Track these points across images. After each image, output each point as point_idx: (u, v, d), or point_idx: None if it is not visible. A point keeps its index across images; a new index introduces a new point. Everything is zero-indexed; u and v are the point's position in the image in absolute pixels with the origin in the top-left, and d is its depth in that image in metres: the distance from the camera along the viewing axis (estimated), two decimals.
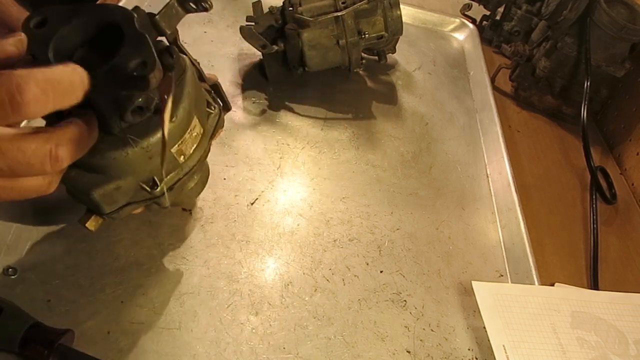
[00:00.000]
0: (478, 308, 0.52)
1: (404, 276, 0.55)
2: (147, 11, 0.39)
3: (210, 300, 0.48)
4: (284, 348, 0.46)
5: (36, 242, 0.48)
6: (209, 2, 0.41)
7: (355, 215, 0.60)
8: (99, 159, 0.37)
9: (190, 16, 0.85)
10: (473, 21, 0.99)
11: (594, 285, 0.61)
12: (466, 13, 0.99)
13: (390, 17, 0.70)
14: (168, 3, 0.38)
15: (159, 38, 0.39)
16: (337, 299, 0.51)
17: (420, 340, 0.50)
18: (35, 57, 0.33)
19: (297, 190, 0.61)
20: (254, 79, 0.74)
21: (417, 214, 0.62)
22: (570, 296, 0.56)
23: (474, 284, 0.54)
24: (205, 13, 0.88)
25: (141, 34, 0.34)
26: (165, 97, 0.35)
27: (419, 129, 0.75)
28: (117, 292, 0.47)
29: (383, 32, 0.70)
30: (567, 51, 0.80)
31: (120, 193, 0.40)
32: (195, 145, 0.43)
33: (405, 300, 0.53)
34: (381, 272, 0.55)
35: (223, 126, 0.48)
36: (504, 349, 0.49)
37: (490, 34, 0.99)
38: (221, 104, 0.48)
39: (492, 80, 0.86)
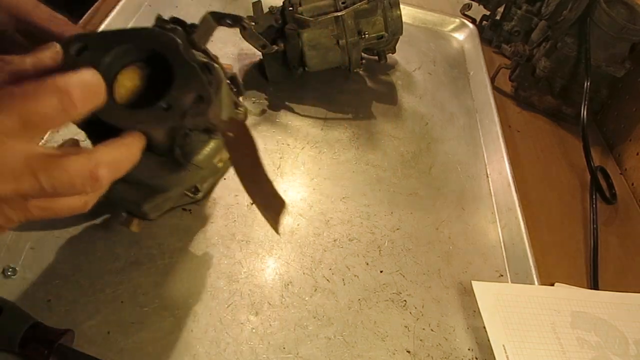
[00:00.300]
0: (478, 308, 0.52)
1: (404, 276, 0.55)
2: (170, 17, 0.40)
3: (211, 300, 0.48)
4: (284, 348, 0.46)
5: (36, 242, 0.48)
6: (246, 22, 0.41)
7: (355, 215, 0.60)
8: (152, 180, 0.39)
9: (190, 16, 0.85)
10: (473, 21, 0.99)
11: (594, 285, 0.61)
12: (466, 13, 0.99)
13: (390, 17, 0.70)
14: (204, 19, 0.37)
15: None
16: (337, 299, 0.51)
17: (420, 340, 0.50)
18: None
19: (297, 190, 0.61)
20: (254, 79, 0.74)
21: (417, 214, 0.62)
22: (570, 296, 0.56)
23: (474, 284, 0.54)
24: (205, 13, 0.88)
25: (191, 66, 0.34)
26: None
27: (419, 129, 0.75)
28: (117, 292, 0.47)
29: (383, 32, 0.70)
30: (567, 51, 0.80)
31: (167, 202, 0.42)
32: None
33: (405, 300, 0.53)
34: (381, 272, 0.55)
35: (247, 119, 0.48)
36: (504, 349, 0.49)
37: (490, 34, 0.99)
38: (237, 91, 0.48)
39: (492, 80, 0.86)
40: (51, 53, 0.31)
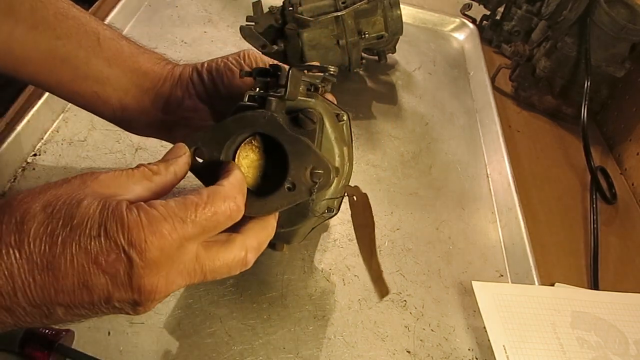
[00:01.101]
0: (478, 308, 0.52)
1: (404, 276, 0.55)
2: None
3: (210, 300, 0.48)
4: (284, 348, 0.46)
5: None
6: (332, 69, 0.43)
7: None
8: (293, 229, 0.42)
9: (190, 16, 0.85)
10: (473, 21, 0.99)
11: (594, 285, 0.61)
12: (466, 13, 0.99)
13: (390, 17, 0.70)
14: (291, 74, 0.37)
15: None
16: (337, 299, 0.51)
17: (420, 340, 0.50)
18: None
19: None
20: None
21: (417, 214, 0.62)
22: (570, 296, 0.56)
23: (474, 284, 0.54)
24: (205, 13, 0.88)
25: (297, 139, 0.36)
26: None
27: (419, 129, 0.75)
28: None
29: (383, 32, 0.70)
30: (567, 51, 0.80)
31: (308, 228, 0.45)
32: (348, 164, 0.45)
33: (405, 300, 0.53)
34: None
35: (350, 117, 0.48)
36: (504, 349, 0.49)
37: (490, 34, 0.99)
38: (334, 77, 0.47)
39: (492, 80, 0.86)
40: (186, 158, 0.35)
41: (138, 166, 0.33)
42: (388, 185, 0.65)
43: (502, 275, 0.59)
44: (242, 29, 0.67)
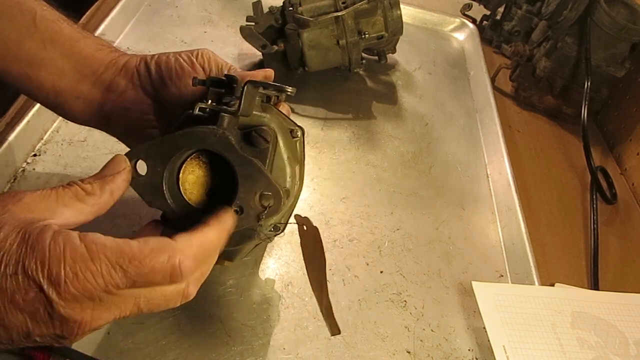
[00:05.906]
0: (478, 308, 0.52)
1: (404, 276, 0.55)
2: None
3: (210, 301, 0.48)
4: (284, 348, 0.46)
5: None
6: (289, 89, 0.41)
7: (355, 215, 0.60)
8: (236, 248, 0.41)
9: (190, 16, 0.85)
10: (473, 21, 0.99)
11: (594, 285, 0.61)
12: (466, 13, 0.99)
13: (390, 17, 0.70)
14: (246, 90, 0.36)
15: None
16: (337, 299, 0.51)
17: (421, 341, 0.50)
18: (152, 203, 0.35)
19: None
20: None
21: (417, 214, 0.62)
22: (570, 296, 0.56)
23: (474, 284, 0.54)
24: (205, 13, 0.88)
25: (249, 161, 0.34)
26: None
27: (419, 129, 0.75)
28: None
29: (383, 32, 0.70)
30: (567, 51, 0.80)
31: (252, 247, 0.44)
32: (298, 182, 0.44)
33: (405, 301, 0.53)
34: (381, 272, 0.55)
35: (305, 133, 0.46)
36: (504, 349, 0.49)
37: (490, 34, 0.99)
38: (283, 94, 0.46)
39: (492, 80, 0.86)
40: (125, 174, 0.33)
41: (70, 184, 0.31)
42: (388, 185, 0.65)
43: (502, 276, 0.59)
44: (242, 29, 0.67)
